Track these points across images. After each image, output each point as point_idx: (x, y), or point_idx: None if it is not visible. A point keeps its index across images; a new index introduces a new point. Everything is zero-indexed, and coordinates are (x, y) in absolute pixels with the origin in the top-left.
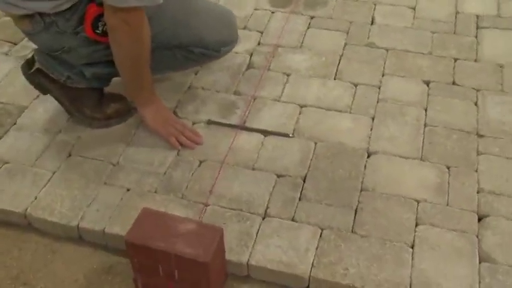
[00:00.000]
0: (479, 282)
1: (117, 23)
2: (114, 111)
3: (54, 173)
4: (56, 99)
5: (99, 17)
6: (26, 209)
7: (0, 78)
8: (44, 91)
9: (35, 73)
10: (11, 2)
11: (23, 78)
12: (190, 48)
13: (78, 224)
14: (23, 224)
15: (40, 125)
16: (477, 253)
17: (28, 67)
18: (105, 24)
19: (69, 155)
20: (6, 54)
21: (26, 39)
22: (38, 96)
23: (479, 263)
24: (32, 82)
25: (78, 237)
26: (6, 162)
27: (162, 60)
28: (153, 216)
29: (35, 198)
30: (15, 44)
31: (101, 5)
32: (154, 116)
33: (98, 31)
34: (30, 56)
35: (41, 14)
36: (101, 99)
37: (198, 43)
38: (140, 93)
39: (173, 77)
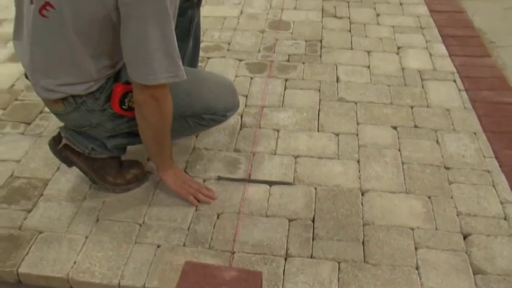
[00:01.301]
0: None
1: (145, 99)
2: (133, 177)
3: (87, 237)
4: (81, 170)
5: (126, 94)
6: (68, 274)
7: (21, 155)
8: (70, 164)
9: (62, 148)
10: (50, 88)
11: (42, 153)
12: (201, 116)
13: (119, 283)
14: None
15: (65, 194)
16: (470, 268)
17: (55, 143)
18: (130, 100)
19: (97, 220)
20: (23, 133)
21: (39, 118)
22: (58, 168)
23: (474, 275)
24: (59, 156)
25: None
26: (41, 232)
27: (177, 128)
28: (197, 267)
29: (74, 263)
30: (28, 124)
31: (126, 83)
32: (174, 179)
33: (125, 107)
34: (56, 133)
35: (73, 96)
36: (121, 166)
37: (208, 110)
38: (162, 160)
39: (178, 142)
